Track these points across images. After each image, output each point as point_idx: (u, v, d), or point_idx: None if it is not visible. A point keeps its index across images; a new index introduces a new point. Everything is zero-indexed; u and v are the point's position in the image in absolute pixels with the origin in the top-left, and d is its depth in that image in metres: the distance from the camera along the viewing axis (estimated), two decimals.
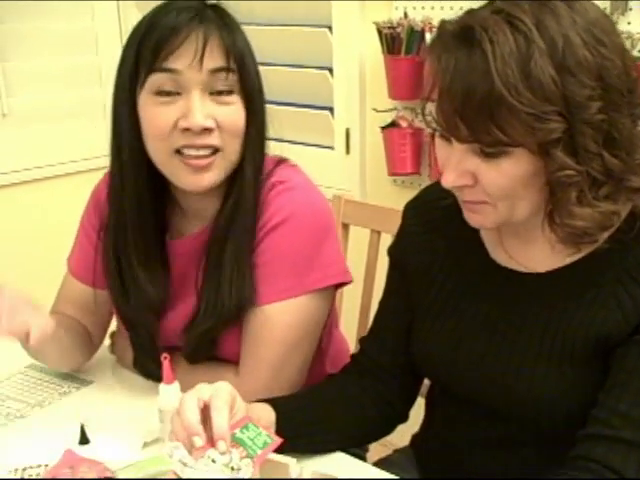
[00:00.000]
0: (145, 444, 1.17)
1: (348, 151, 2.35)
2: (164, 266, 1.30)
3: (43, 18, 2.58)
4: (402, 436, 1.37)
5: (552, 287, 1.05)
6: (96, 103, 2.74)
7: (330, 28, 2.28)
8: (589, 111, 0.91)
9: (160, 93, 1.17)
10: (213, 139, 1.18)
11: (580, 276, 1.03)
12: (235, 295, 1.22)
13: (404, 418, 1.28)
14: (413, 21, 2.01)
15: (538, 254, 1.06)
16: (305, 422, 1.15)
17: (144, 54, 1.18)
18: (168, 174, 1.23)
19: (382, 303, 1.28)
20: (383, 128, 2.17)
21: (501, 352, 1.07)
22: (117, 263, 1.30)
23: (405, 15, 2.05)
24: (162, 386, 1.13)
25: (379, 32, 2.07)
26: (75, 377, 1.39)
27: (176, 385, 1.13)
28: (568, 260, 1.03)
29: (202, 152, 1.18)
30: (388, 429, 1.28)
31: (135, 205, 1.25)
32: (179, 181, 1.22)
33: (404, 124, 2.14)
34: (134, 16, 2.81)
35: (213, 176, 1.20)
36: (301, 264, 1.23)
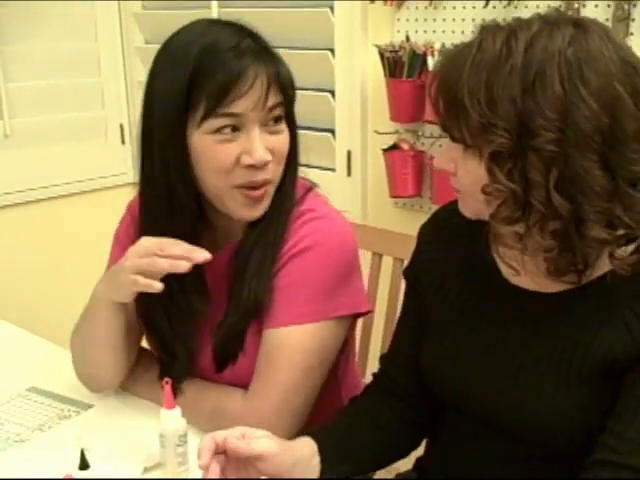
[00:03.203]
0: (145, 469, 1.17)
1: (349, 173, 2.35)
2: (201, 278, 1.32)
3: (46, 39, 2.60)
4: (403, 460, 1.36)
5: (562, 308, 1.05)
6: (98, 124, 2.75)
7: (332, 51, 2.29)
8: (539, 139, 0.92)
9: (220, 131, 1.17)
10: (268, 173, 1.21)
11: (590, 298, 1.03)
12: (253, 295, 1.24)
13: (428, 432, 1.29)
14: (415, 44, 2.02)
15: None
16: (346, 450, 1.16)
17: (199, 99, 1.16)
18: (223, 206, 1.24)
19: (399, 323, 1.30)
20: (385, 150, 2.18)
21: (508, 370, 1.07)
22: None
23: (407, 38, 2.06)
24: (163, 411, 1.12)
25: (381, 55, 2.08)
26: (75, 401, 1.38)
27: (177, 410, 1.12)
28: (580, 283, 1.03)
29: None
30: (415, 445, 1.28)
31: (176, 231, 1.23)
32: (234, 213, 1.24)
33: (406, 147, 2.14)
34: (137, 38, 2.83)
35: (265, 205, 1.25)
36: (321, 291, 1.24)
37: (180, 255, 1.15)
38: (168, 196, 1.24)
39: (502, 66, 0.93)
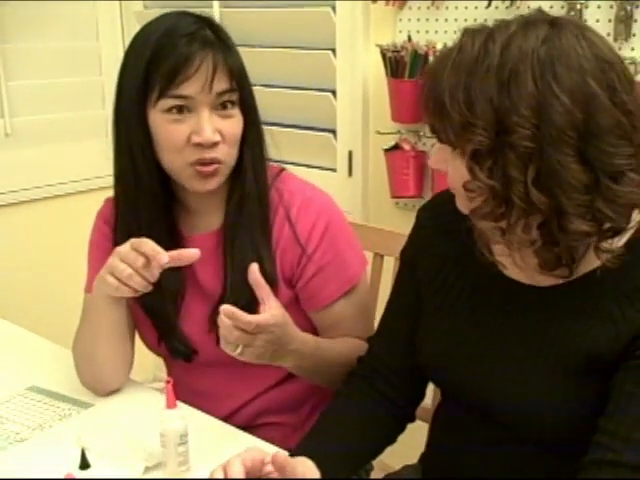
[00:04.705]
0: (146, 469, 1.16)
1: (350, 173, 2.35)
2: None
3: (47, 38, 2.61)
4: (398, 459, 1.37)
5: (552, 301, 1.06)
6: (99, 123, 2.75)
7: (334, 51, 2.29)
8: (514, 136, 0.93)
9: (171, 111, 1.27)
10: (218, 152, 1.29)
11: (579, 293, 1.04)
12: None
13: (412, 418, 1.30)
14: (417, 45, 2.02)
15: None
16: (342, 462, 1.16)
17: (154, 80, 1.26)
18: (181, 180, 1.33)
19: (390, 304, 1.30)
20: (386, 151, 2.17)
21: (499, 360, 1.09)
22: None
23: (409, 39, 2.06)
24: (164, 411, 1.12)
25: (383, 55, 2.08)
26: (76, 400, 1.38)
27: (178, 410, 1.12)
28: (571, 277, 1.04)
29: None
30: (400, 430, 1.29)
31: (150, 209, 1.34)
32: (191, 186, 1.33)
33: (407, 147, 2.14)
34: None
35: (217, 181, 1.32)
36: (353, 250, 1.43)
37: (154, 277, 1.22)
38: (134, 177, 1.32)
39: (479, 67, 0.95)
